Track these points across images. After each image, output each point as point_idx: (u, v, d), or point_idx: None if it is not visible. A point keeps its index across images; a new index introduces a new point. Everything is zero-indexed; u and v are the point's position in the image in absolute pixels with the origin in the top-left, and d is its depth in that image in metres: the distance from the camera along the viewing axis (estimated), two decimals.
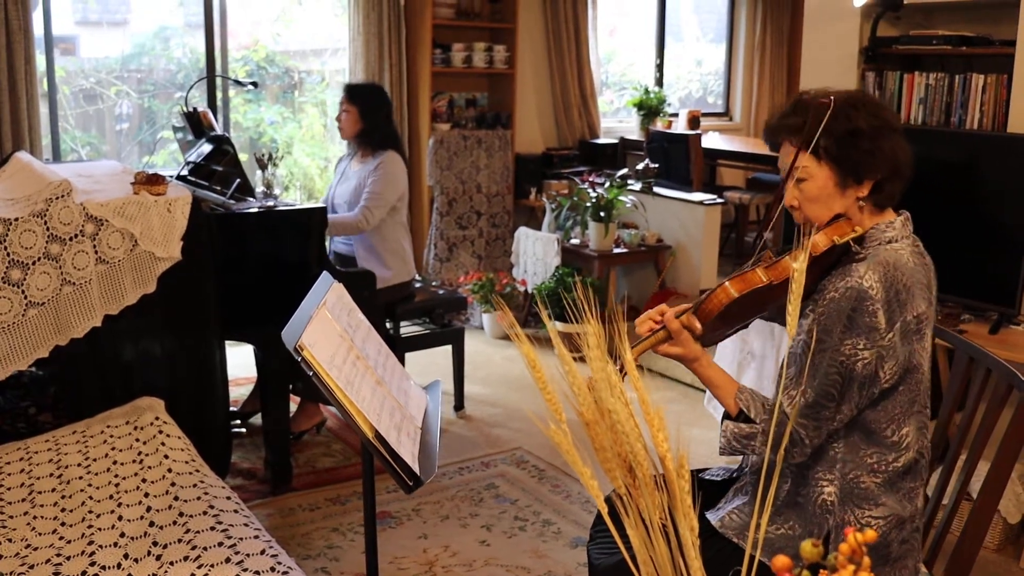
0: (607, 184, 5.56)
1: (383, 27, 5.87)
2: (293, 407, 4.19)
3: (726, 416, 1.89)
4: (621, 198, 5.47)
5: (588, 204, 5.47)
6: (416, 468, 1.79)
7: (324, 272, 2.24)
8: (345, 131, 4.22)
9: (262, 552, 2.10)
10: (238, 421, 4.19)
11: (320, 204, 3.71)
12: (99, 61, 6.37)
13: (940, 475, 2.18)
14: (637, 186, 5.88)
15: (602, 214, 5.45)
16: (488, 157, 6.32)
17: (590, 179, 5.67)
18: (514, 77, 6.33)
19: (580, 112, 6.84)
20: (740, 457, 2.07)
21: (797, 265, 1.00)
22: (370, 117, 4.16)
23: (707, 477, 2.20)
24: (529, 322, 6.00)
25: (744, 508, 1.97)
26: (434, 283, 4.99)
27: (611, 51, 8.23)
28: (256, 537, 2.18)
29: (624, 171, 5.93)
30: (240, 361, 4.70)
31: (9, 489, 2.50)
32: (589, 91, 6.85)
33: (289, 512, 3.45)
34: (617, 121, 7.54)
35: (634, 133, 7.25)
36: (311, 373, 1.70)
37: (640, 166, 6.06)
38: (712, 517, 1.99)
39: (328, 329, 1.91)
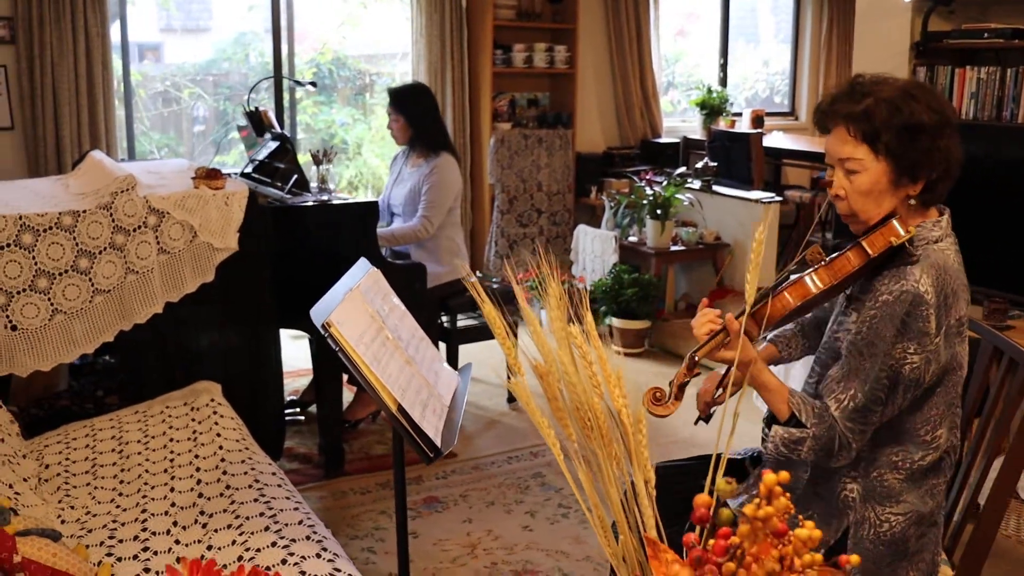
0: (665, 182, 5.59)
1: (445, 29, 6.00)
2: (351, 397, 4.34)
3: (773, 420, 1.87)
4: (678, 196, 5.49)
5: (645, 202, 5.51)
6: (438, 442, 1.88)
7: (362, 258, 2.35)
8: (398, 139, 4.36)
9: (300, 523, 2.21)
10: (297, 409, 4.35)
11: (371, 200, 3.82)
12: (179, 66, 6.63)
13: (962, 465, 2.20)
14: (696, 184, 5.90)
15: (659, 212, 5.48)
16: (549, 156, 6.40)
17: (647, 177, 5.71)
18: (575, 77, 6.41)
19: (642, 112, 6.87)
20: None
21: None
22: (418, 122, 4.28)
23: (732, 457, 2.23)
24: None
25: None
26: (494, 280, 5.09)
27: (679, 52, 8.25)
28: (296, 509, 2.30)
29: (682, 169, 5.96)
30: (302, 354, 4.86)
31: (74, 462, 2.67)
32: (651, 91, 6.88)
33: (341, 495, 3.58)
34: (680, 121, 7.55)
35: (697, 132, 7.25)
36: (337, 349, 1.81)
37: (699, 164, 6.08)
38: (732, 504, 2.02)
39: (359, 310, 2.01)
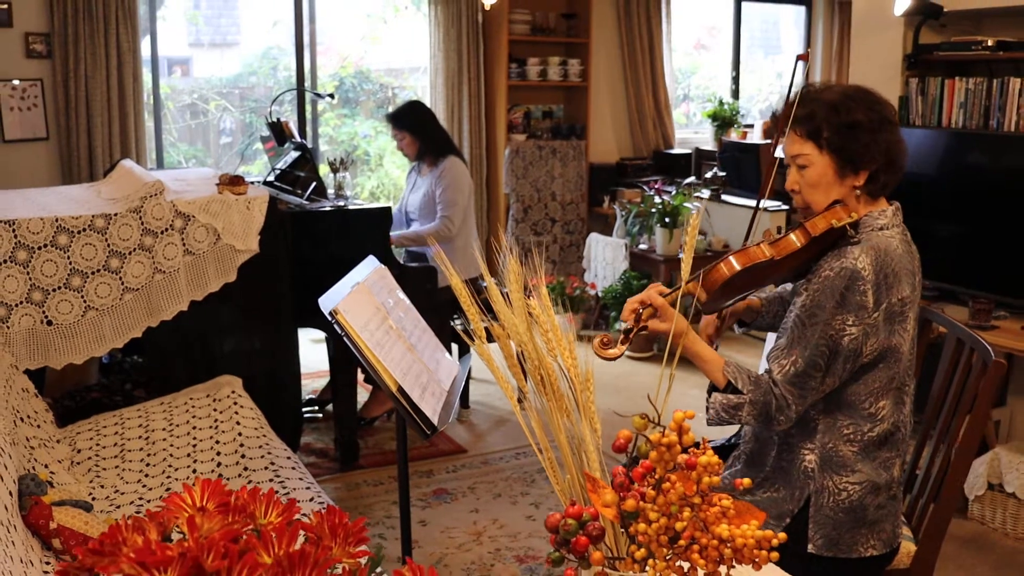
0: (674, 192, 5.75)
1: (462, 43, 6.20)
2: (367, 396, 4.52)
3: (713, 389, 2.04)
4: (686, 205, 5.65)
5: (654, 210, 5.67)
6: (435, 421, 2.06)
7: (370, 256, 2.53)
8: (408, 154, 4.64)
9: (311, 500, 2.39)
10: (316, 407, 4.54)
11: (385, 205, 4.02)
12: (207, 80, 6.87)
13: (919, 441, 2.34)
14: (706, 194, 6.05)
15: (668, 220, 5.64)
16: (563, 166, 6.58)
17: (656, 187, 5.87)
18: (588, 90, 6.59)
19: (655, 123, 7.04)
20: (734, 427, 2.26)
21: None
22: (422, 134, 4.54)
23: (712, 443, 2.40)
24: (600, 324, 6.22)
25: (737, 474, 2.16)
26: (498, 284, 5.25)
27: (695, 65, 8.42)
28: (308, 488, 2.48)
29: (691, 179, 6.11)
30: (321, 356, 5.04)
31: (104, 447, 2.87)
32: (663, 103, 7.05)
33: (355, 486, 3.76)
34: (693, 132, 7.71)
35: (709, 144, 7.40)
36: (343, 334, 1.99)
37: (709, 174, 6.23)
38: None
39: (365, 301, 2.19)
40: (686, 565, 1.07)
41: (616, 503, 1.04)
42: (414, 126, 4.53)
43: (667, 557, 1.05)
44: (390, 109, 5.56)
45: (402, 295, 2.51)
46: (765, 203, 5.83)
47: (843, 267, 1.93)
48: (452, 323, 4.54)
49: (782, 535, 1.04)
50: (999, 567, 3.26)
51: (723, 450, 2.34)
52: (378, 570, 0.96)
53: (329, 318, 1.99)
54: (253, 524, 0.93)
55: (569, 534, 1.05)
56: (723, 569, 1.08)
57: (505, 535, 3.38)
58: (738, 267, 1.99)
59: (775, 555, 1.03)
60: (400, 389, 2.01)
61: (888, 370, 1.99)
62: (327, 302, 2.08)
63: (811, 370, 1.95)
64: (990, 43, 3.70)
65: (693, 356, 2.06)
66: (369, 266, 2.43)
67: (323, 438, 4.25)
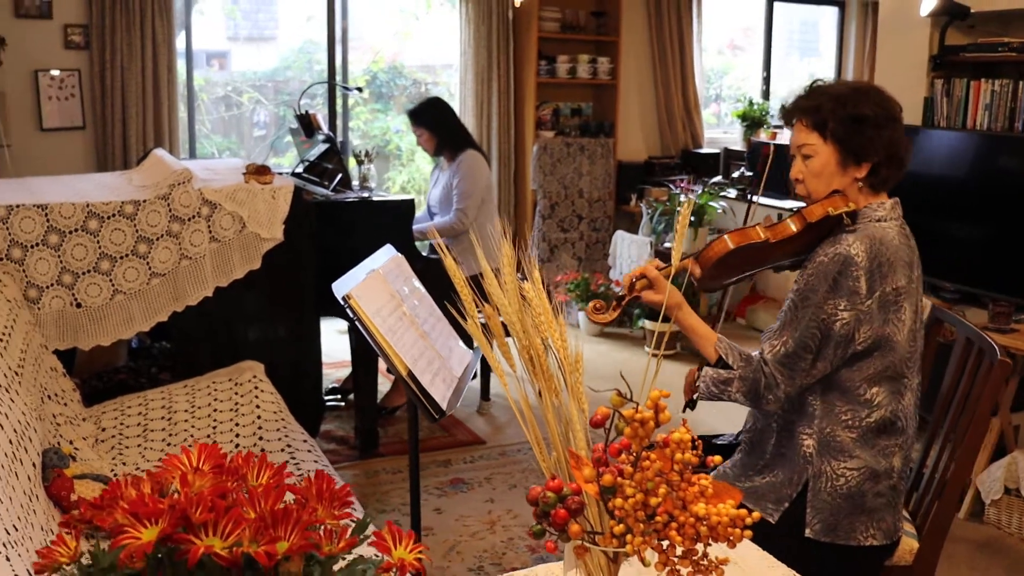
0: (701, 191, 5.76)
1: (492, 40, 6.25)
2: (388, 387, 4.59)
3: (705, 363, 2.11)
4: (712, 204, 5.66)
5: (678, 209, 5.69)
6: (444, 405, 2.10)
7: (387, 244, 2.58)
8: (428, 150, 4.71)
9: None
10: (339, 396, 4.61)
11: (408, 197, 4.08)
12: (241, 73, 6.97)
13: (926, 442, 2.36)
14: (732, 193, 6.05)
15: (693, 219, 5.65)
16: (590, 164, 6.61)
17: (682, 185, 5.88)
18: (617, 88, 6.61)
19: (684, 123, 7.04)
20: (739, 425, 2.29)
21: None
22: (440, 130, 4.60)
23: (717, 442, 2.43)
24: (624, 322, 6.25)
25: (738, 462, 2.20)
26: (523, 278, 5.29)
27: (727, 65, 8.40)
28: (322, 470, 2.54)
29: (718, 178, 6.12)
30: (345, 346, 5.12)
31: (128, 427, 2.94)
32: (693, 103, 7.05)
33: (373, 474, 3.82)
34: (723, 132, 7.70)
35: (738, 144, 7.40)
36: (354, 318, 2.04)
37: (736, 174, 6.23)
38: (711, 473, 2.21)
39: (380, 288, 2.24)
40: (664, 543, 1.11)
41: (595, 478, 1.08)
42: (432, 122, 4.59)
43: (644, 532, 1.08)
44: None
45: (418, 284, 2.56)
46: (793, 203, 5.83)
47: (837, 253, 1.98)
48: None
49: (756, 514, 1.07)
50: (1013, 571, 3.25)
51: (730, 448, 2.37)
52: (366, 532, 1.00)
53: (342, 303, 2.04)
54: (245, 486, 0.98)
55: (548, 506, 1.09)
56: (700, 547, 1.11)
57: (519, 525, 3.42)
58: (732, 245, 2.05)
59: (748, 533, 1.06)
60: (410, 373, 2.06)
61: (883, 359, 2.02)
62: (341, 287, 2.13)
63: (801, 351, 2.00)
64: (1016, 45, 3.68)
65: (687, 329, 2.13)
66: (386, 254, 2.49)
67: (344, 426, 4.31)
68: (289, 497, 0.97)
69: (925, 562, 2.18)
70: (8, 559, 1.58)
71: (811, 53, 8.68)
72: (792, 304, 2.04)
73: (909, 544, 2.19)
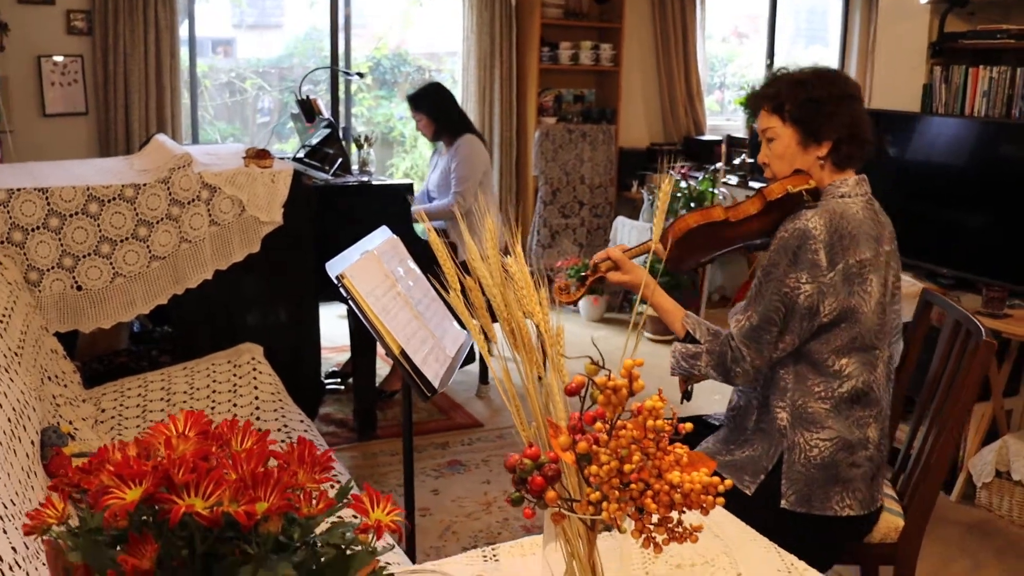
0: (701, 177, 5.78)
1: (495, 26, 6.26)
2: (387, 370, 4.62)
3: (675, 339, 2.18)
4: (712, 190, 5.68)
5: (679, 195, 5.70)
6: (436, 384, 2.13)
7: (383, 226, 2.61)
8: (427, 135, 4.77)
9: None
10: (339, 380, 4.64)
11: (408, 181, 4.11)
12: (247, 60, 6.99)
13: (913, 423, 2.39)
14: (733, 180, 6.07)
15: (692, 205, 5.67)
16: (592, 150, 6.62)
17: (683, 171, 5.90)
18: (619, 75, 6.62)
19: (686, 109, 7.05)
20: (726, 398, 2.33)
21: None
22: (438, 115, 4.65)
23: (709, 420, 2.46)
24: (624, 307, 6.28)
25: (719, 436, 2.24)
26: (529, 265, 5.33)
27: (731, 53, 8.41)
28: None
29: (718, 165, 6.13)
30: (346, 331, 5.15)
31: (127, 408, 2.98)
32: (695, 90, 7.06)
33: (371, 456, 3.86)
34: (725, 119, 7.71)
35: (741, 131, 7.40)
36: (348, 297, 2.07)
37: (737, 160, 6.24)
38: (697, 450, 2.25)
39: (374, 268, 2.27)
40: (640, 510, 1.14)
41: (570, 445, 1.11)
42: (431, 107, 4.63)
43: (620, 500, 1.11)
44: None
45: (413, 265, 2.59)
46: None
47: (796, 227, 2.03)
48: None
49: (728, 481, 1.10)
50: (1002, 553, 3.28)
51: (717, 428, 2.40)
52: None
53: (336, 282, 2.07)
54: (228, 451, 1.01)
55: (525, 473, 1.12)
56: (675, 514, 1.14)
57: (518, 511, 3.45)
58: (692, 224, 2.10)
59: (720, 500, 1.09)
60: (403, 352, 2.09)
61: (850, 330, 2.06)
62: (335, 267, 2.16)
63: (766, 324, 2.05)
64: (1015, 31, 3.69)
65: (655, 307, 2.20)
66: (381, 236, 2.51)
67: (344, 409, 4.35)
68: (273, 464, 1.00)
69: (910, 539, 2.21)
70: (5, 531, 1.62)
71: (819, 41, 8.67)
72: (757, 280, 2.10)
73: (895, 522, 2.22)
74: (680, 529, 1.15)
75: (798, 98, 2.08)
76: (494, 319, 1.27)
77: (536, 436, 1.23)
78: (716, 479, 1.09)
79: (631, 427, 1.11)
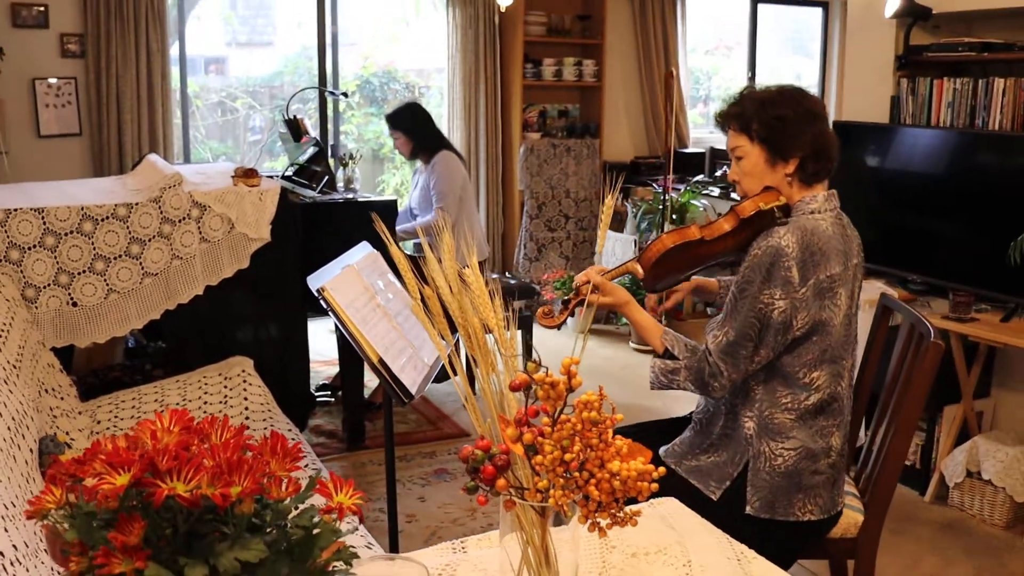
0: (683, 189, 5.90)
1: (479, 45, 6.40)
2: (376, 383, 4.73)
3: (655, 355, 2.26)
4: (693, 202, 5.80)
5: (662, 207, 5.83)
6: (413, 390, 2.25)
7: (364, 241, 2.73)
8: (404, 153, 4.91)
9: (305, 467, 2.59)
10: (328, 392, 4.75)
11: (391, 198, 4.23)
12: (237, 79, 7.11)
13: (874, 423, 2.50)
14: (715, 192, 6.20)
15: (675, 217, 5.79)
16: (576, 164, 6.76)
17: (665, 184, 6.02)
18: (602, 90, 6.75)
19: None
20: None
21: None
22: (415, 134, 4.80)
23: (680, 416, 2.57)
24: (611, 318, 6.39)
25: (686, 440, 2.34)
26: (511, 277, 5.45)
27: (715, 66, 8.56)
28: (304, 457, 2.68)
29: (700, 177, 6.26)
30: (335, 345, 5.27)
31: (122, 419, 3.09)
32: (678, 103, 7.19)
33: (360, 465, 3.97)
34: (709, 132, 7.85)
35: (723, 143, 7.53)
36: (328, 309, 2.18)
37: (719, 172, 6.37)
38: (662, 450, 2.36)
39: (354, 281, 2.39)
40: (585, 497, 1.25)
41: (517, 437, 1.22)
42: (407, 126, 4.78)
43: (565, 488, 1.23)
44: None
45: (393, 279, 2.71)
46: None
47: (769, 245, 2.10)
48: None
49: (661, 469, 1.21)
50: (972, 551, 3.39)
51: (683, 422, 2.51)
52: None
53: (316, 295, 2.18)
54: (208, 443, 1.12)
55: (477, 463, 1.24)
56: (616, 501, 1.25)
57: (499, 512, 3.55)
58: (669, 244, 2.18)
59: (655, 486, 1.20)
60: (381, 360, 2.20)
61: (821, 343, 2.14)
62: (316, 281, 2.27)
63: (742, 340, 2.12)
64: (975, 44, 3.83)
65: (635, 324, 2.27)
66: (362, 250, 2.63)
67: (333, 421, 4.46)
68: (248, 455, 1.11)
69: (869, 533, 2.32)
70: (6, 530, 1.73)
71: (804, 53, 8.82)
72: (732, 297, 2.16)
73: (855, 518, 2.33)
74: (621, 514, 1.27)
75: (764, 117, 2.14)
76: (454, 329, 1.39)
77: (491, 432, 1.34)
78: (651, 467, 1.21)
79: (575, 420, 1.23)
